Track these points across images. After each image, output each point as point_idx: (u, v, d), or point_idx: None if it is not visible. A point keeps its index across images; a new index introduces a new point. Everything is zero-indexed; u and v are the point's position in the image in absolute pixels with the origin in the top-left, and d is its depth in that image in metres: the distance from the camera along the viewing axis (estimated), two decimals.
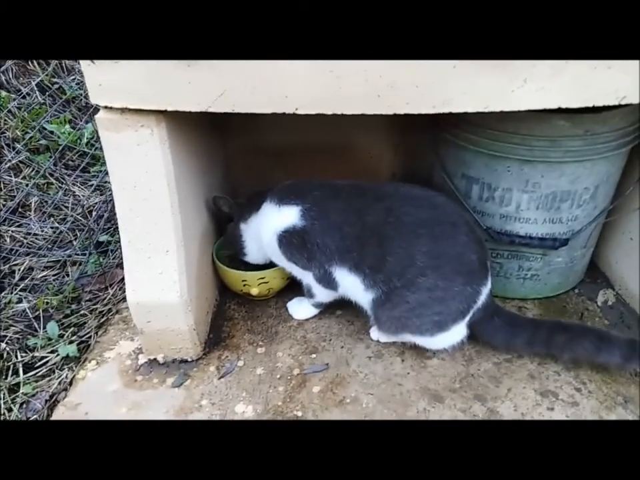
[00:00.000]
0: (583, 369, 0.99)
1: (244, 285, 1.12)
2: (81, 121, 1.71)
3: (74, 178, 1.55)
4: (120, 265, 1.27)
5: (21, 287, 1.23)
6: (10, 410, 0.96)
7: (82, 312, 1.18)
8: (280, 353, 1.04)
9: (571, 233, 1.07)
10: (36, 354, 1.07)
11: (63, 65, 1.82)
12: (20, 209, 1.44)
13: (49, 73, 1.75)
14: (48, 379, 1.02)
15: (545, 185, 1.00)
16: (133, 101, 0.78)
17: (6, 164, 1.49)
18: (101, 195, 1.52)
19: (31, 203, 1.45)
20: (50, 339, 1.10)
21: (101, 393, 0.96)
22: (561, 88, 0.74)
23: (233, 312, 1.16)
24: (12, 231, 1.37)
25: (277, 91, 0.75)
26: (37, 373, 1.04)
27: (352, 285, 0.98)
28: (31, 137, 1.56)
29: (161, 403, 0.94)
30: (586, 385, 0.96)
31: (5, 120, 1.57)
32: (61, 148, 1.58)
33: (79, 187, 1.54)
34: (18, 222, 1.39)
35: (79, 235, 1.39)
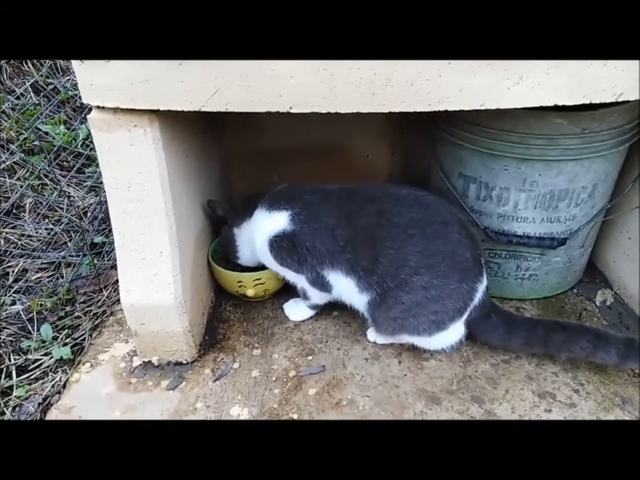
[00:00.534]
0: (580, 370, 0.98)
1: (240, 286, 1.11)
2: (76, 121, 1.70)
3: (68, 179, 1.54)
4: (114, 267, 1.26)
5: (14, 288, 1.22)
6: (3, 413, 0.95)
7: (76, 314, 1.17)
8: (276, 355, 1.03)
9: (569, 233, 1.06)
10: (29, 356, 1.06)
11: (58, 65, 1.81)
12: (14, 210, 1.43)
13: (44, 73, 1.74)
14: (41, 381, 1.01)
15: (542, 184, 0.99)
16: (125, 100, 0.77)
17: (0, 165, 1.47)
18: (96, 196, 1.51)
19: (25, 204, 1.44)
20: (44, 341, 1.09)
21: (95, 395, 0.95)
22: (557, 85, 0.73)
23: (228, 313, 1.15)
24: (6, 233, 1.36)
25: (270, 89, 0.75)
26: (30, 375, 1.03)
27: (346, 288, 0.98)
28: (25, 138, 1.55)
29: (155, 406, 0.93)
30: (584, 386, 0.95)
31: (0, 121, 1.56)
32: (55, 149, 1.57)
33: (74, 188, 1.53)
34: (12, 223, 1.38)
35: (73, 236, 1.38)
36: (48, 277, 1.27)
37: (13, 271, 1.27)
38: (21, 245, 1.34)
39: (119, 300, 1.12)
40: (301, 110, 0.76)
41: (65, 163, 1.60)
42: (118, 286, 1.04)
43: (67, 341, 1.09)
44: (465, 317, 0.96)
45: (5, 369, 1.03)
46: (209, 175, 1.18)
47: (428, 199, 0.95)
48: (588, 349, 0.92)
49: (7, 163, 1.49)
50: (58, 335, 1.11)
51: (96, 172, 1.57)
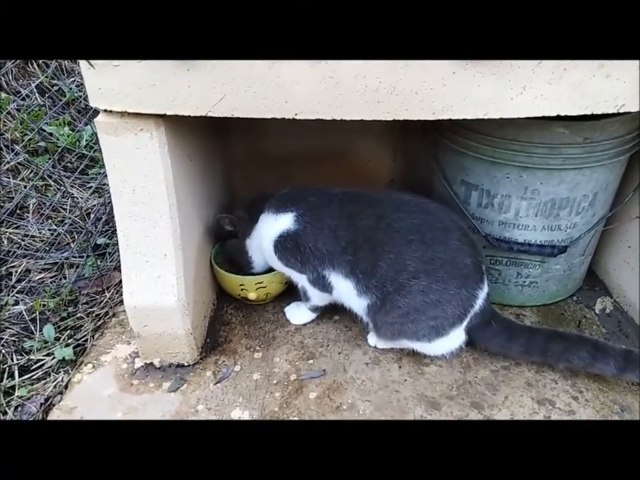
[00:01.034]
0: (580, 377, 0.99)
1: (242, 290, 1.12)
2: (80, 123, 1.71)
3: (72, 180, 1.55)
4: (117, 268, 1.27)
5: (17, 289, 1.22)
6: (5, 413, 0.95)
7: (79, 315, 1.17)
8: (277, 359, 1.04)
9: (570, 241, 1.07)
10: (32, 357, 1.07)
11: (63, 66, 1.82)
12: (18, 211, 1.43)
13: (49, 74, 1.75)
14: (43, 382, 1.02)
15: (543, 192, 1.00)
16: (133, 104, 0.78)
17: (4, 165, 1.48)
18: (99, 197, 1.52)
19: (29, 204, 1.45)
20: (46, 342, 1.09)
21: (97, 396, 0.96)
22: (560, 96, 0.74)
23: (230, 316, 1.16)
24: (10, 233, 1.36)
25: (276, 96, 0.75)
26: (32, 375, 1.03)
27: (346, 291, 0.99)
28: (30, 139, 1.56)
29: (156, 408, 0.94)
30: (583, 393, 0.96)
31: (4, 121, 1.56)
32: (59, 150, 1.58)
33: (78, 189, 1.54)
34: (16, 223, 1.39)
35: (76, 237, 1.39)
36: (51, 277, 1.28)
37: (16, 271, 1.27)
38: (24, 245, 1.34)
39: (121, 301, 1.13)
40: (306, 116, 0.77)
41: (69, 164, 1.61)
42: (120, 287, 1.05)
43: (69, 341, 1.10)
44: (465, 323, 0.96)
45: (7, 368, 1.04)
46: (212, 179, 1.19)
47: (429, 205, 0.96)
48: (586, 360, 0.93)
49: (12, 163, 1.50)
50: (60, 335, 1.12)
51: (100, 173, 1.58)
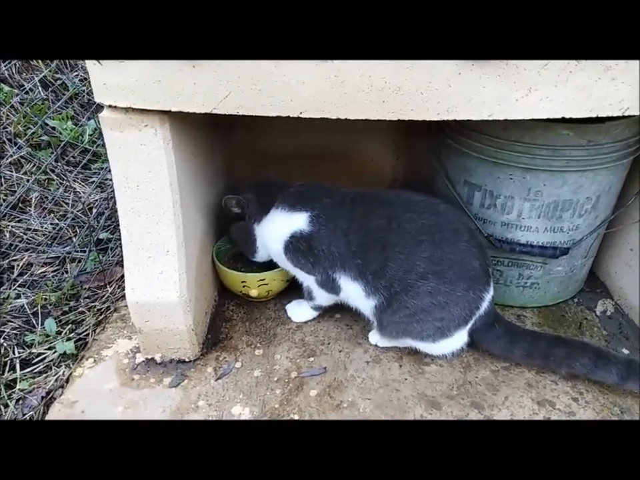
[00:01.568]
0: (580, 379, 0.99)
1: (243, 287, 1.12)
2: (83, 117, 1.71)
3: (75, 174, 1.55)
4: (119, 263, 1.27)
5: (19, 282, 1.23)
6: (6, 406, 0.96)
7: (80, 309, 1.17)
8: (278, 356, 1.04)
9: (572, 242, 1.07)
10: (33, 350, 1.07)
11: (66, 61, 1.82)
12: (20, 205, 1.43)
13: (52, 68, 1.74)
14: (45, 375, 1.02)
15: (546, 194, 1.00)
16: (138, 100, 0.78)
17: (7, 159, 1.48)
18: (102, 192, 1.52)
19: (31, 198, 1.45)
20: (47, 336, 1.10)
21: (98, 391, 0.96)
22: (566, 98, 0.74)
23: (231, 313, 1.16)
24: (12, 226, 1.36)
25: (282, 94, 0.75)
26: (33, 369, 1.04)
27: (354, 292, 0.99)
28: (32, 133, 1.56)
29: (157, 403, 0.94)
30: (583, 395, 0.96)
31: (7, 115, 1.56)
32: (62, 144, 1.58)
33: (80, 184, 1.54)
34: (18, 217, 1.39)
35: (78, 231, 1.39)
36: (53, 271, 1.28)
37: (18, 265, 1.27)
38: (26, 239, 1.34)
39: (123, 296, 1.14)
40: (311, 115, 0.77)
41: (71, 159, 1.61)
42: (122, 282, 1.05)
43: (71, 335, 1.10)
44: (469, 325, 0.97)
45: (9, 362, 1.04)
46: (214, 176, 1.19)
47: (439, 206, 0.96)
48: (588, 367, 0.93)
49: (14, 157, 1.50)
50: (62, 329, 1.12)
51: (102, 168, 1.58)
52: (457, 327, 0.95)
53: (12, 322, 1.12)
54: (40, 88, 1.69)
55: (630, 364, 0.92)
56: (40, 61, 1.76)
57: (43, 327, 1.11)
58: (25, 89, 1.65)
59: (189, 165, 0.96)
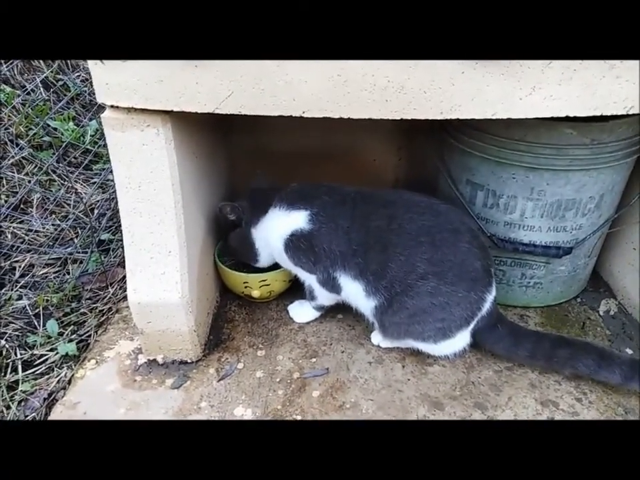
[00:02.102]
0: (583, 379, 0.98)
1: (245, 287, 1.12)
2: (85, 118, 1.71)
3: (76, 175, 1.54)
4: (121, 264, 1.27)
5: (21, 283, 1.22)
6: (8, 407, 0.96)
7: (82, 310, 1.17)
8: (280, 356, 1.04)
9: (575, 242, 1.07)
10: (35, 352, 1.07)
11: (68, 61, 1.82)
12: (22, 206, 1.43)
13: (54, 69, 1.75)
14: (47, 377, 1.02)
15: (550, 193, 1.00)
16: (140, 100, 0.78)
17: (9, 160, 1.48)
18: (104, 192, 1.52)
19: (33, 199, 1.45)
20: (49, 337, 1.09)
21: (100, 392, 0.96)
22: (569, 96, 0.74)
23: (233, 314, 1.16)
24: (13, 228, 1.36)
25: (284, 94, 0.75)
26: (35, 370, 1.03)
27: (355, 292, 0.98)
28: (34, 134, 1.56)
29: (159, 404, 0.94)
30: (587, 395, 0.96)
31: (9, 116, 1.56)
32: (64, 145, 1.58)
33: (82, 185, 1.54)
34: (19, 218, 1.39)
35: (80, 232, 1.39)
36: (54, 272, 1.28)
37: (20, 266, 1.27)
38: (28, 240, 1.34)
39: (124, 297, 1.14)
40: (313, 114, 0.77)
41: (73, 159, 1.61)
42: (124, 283, 1.05)
43: (73, 337, 1.10)
44: (472, 325, 0.96)
45: (11, 363, 1.04)
46: (216, 176, 1.19)
47: (440, 206, 0.96)
48: (592, 367, 0.93)
49: (16, 158, 1.49)
50: (63, 330, 1.12)
51: (104, 169, 1.58)
52: (458, 327, 0.95)
53: (14, 323, 1.12)
54: (42, 89, 1.69)
55: (633, 364, 0.91)
56: (42, 62, 1.76)
57: (45, 329, 1.11)
58: (27, 89, 1.65)
59: (190, 165, 0.95)
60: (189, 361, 1.02)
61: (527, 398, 0.95)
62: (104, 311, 1.17)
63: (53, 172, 1.53)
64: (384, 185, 1.39)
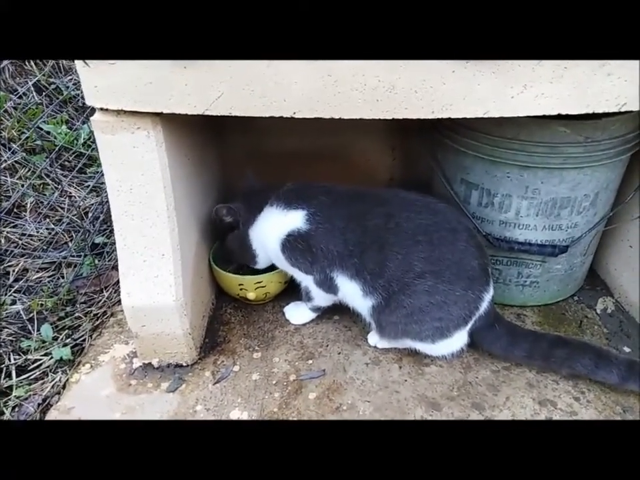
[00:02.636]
0: (581, 378, 0.98)
1: (241, 289, 1.11)
2: (78, 121, 1.70)
3: (70, 179, 1.54)
4: (115, 267, 1.26)
5: (15, 288, 1.22)
6: (2, 413, 0.95)
7: (76, 314, 1.16)
8: (276, 359, 1.03)
9: (571, 240, 1.06)
10: (29, 356, 1.06)
11: (60, 65, 1.81)
12: (15, 210, 1.42)
13: (46, 73, 1.74)
14: (41, 382, 1.01)
15: (544, 192, 0.99)
16: (129, 103, 0.77)
17: (2, 164, 1.47)
18: (97, 196, 1.51)
19: (26, 203, 1.44)
20: (44, 342, 1.09)
21: (95, 397, 0.95)
22: (561, 94, 0.73)
23: (229, 316, 1.15)
24: (7, 232, 1.35)
25: (274, 94, 0.75)
26: (30, 375, 1.03)
27: (352, 292, 0.98)
28: (27, 137, 1.55)
29: (155, 408, 0.93)
30: (584, 394, 0.95)
31: (1, 120, 1.55)
32: (57, 148, 1.57)
33: (75, 188, 1.53)
34: (13, 223, 1.38)
35: (74, 236, 1.38)
36: (48, 276, 1.27)
37: (14, 271, 1.26)
38: (22, 244, 1.33)
39: (119, 301, 1.13)
40: (304, 115, 0.76)
41: (66, 163, 1.60)
42: (118, 287, 1.04)
43: (67, 341, 1.09)
44: (469, 325, 0.96)
45: (4, 368, 1.03)
46: (209, 178, 1.18)
47: (437, 205, 0.95)
48: (589, 367, 0.92)
49: (9, 162, 1.49)
50: (58, 335, 1.11)
51: (97, 172, 1.57)
52: (456, 327, 0.95)
53: (8, 328, 1.11)
54: (34, 92, 1.68)
55: (631, 365, 0.91)
56: (33, 65, 1.75)
57: (39, 333, 1.10)
58: (19, 93, 1.64)
59: (182, 167, 0.95)
60: (184, 364, 1.01)
61: (524, 398, 0.95)
62: (98, 315, 1.16)
63: (46, 176, 1.52)
64: (378, 185, 1.38)
